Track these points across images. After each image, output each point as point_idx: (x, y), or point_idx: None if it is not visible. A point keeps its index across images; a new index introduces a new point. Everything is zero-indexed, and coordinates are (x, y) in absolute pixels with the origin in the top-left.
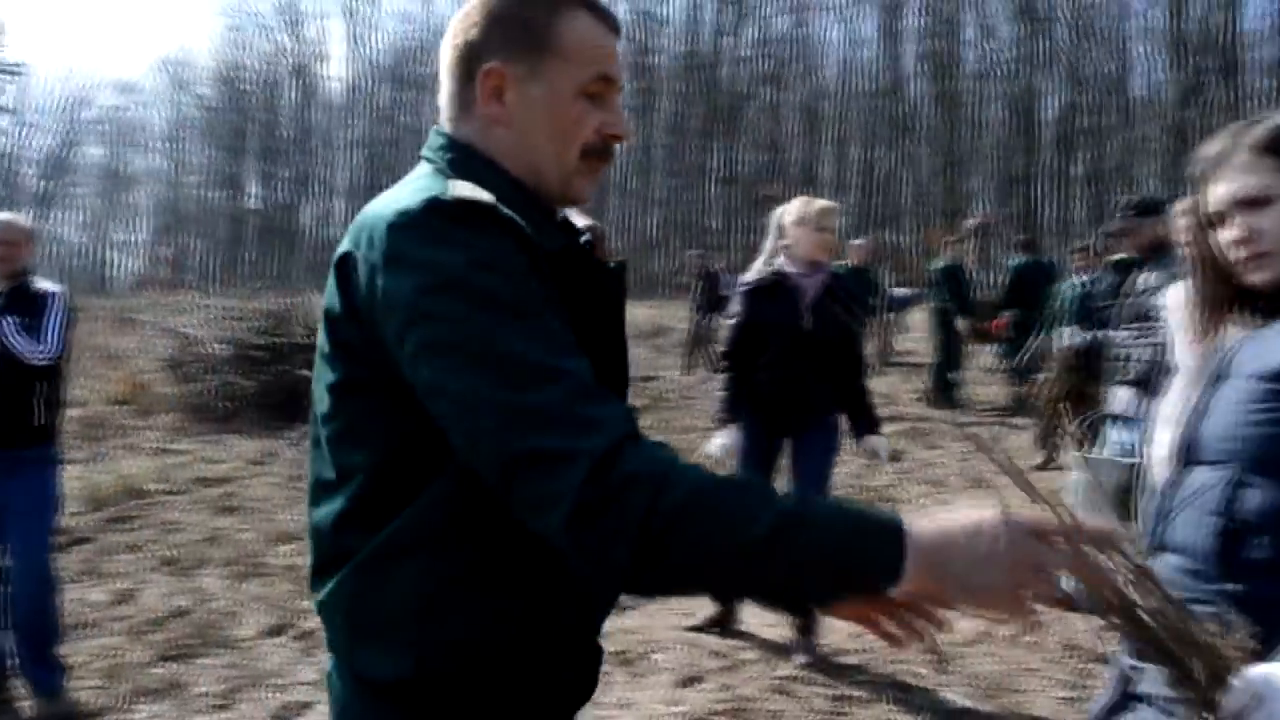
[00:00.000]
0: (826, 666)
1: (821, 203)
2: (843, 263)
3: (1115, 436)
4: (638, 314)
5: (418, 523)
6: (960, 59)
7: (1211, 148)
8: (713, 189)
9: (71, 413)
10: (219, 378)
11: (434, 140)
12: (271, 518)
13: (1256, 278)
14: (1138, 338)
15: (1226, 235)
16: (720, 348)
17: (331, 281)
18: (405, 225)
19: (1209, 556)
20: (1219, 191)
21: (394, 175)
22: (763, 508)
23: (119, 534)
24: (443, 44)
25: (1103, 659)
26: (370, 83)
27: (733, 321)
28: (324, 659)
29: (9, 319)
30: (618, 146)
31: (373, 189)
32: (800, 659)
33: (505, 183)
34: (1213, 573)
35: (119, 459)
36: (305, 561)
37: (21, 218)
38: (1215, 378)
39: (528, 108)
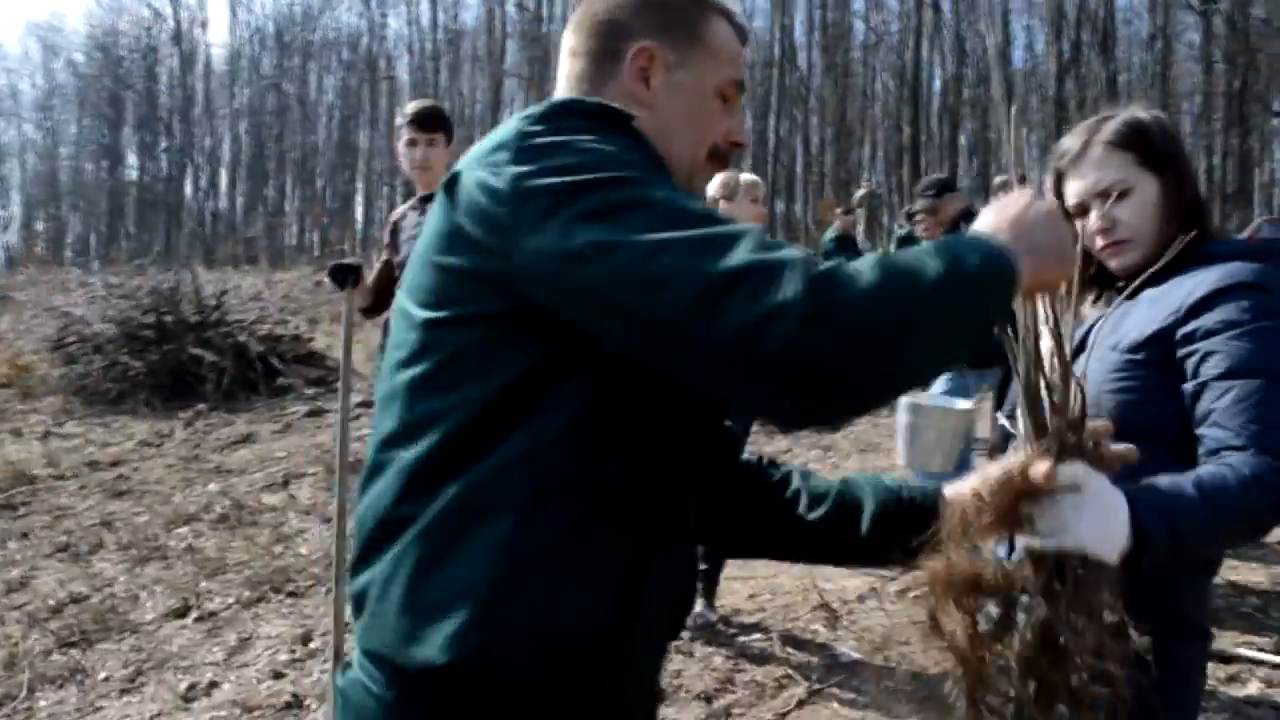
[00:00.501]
0: (724, 627)
1: (748, 175)
2: None
3: (940, 385)
4: None
5: (509, 472)
6: (850, 30)
7: (1068, 143)
8: None
9: None
10: (106, 358)
11: (551, 108)
12: (167, 500)
13: (1115, 264)
14: None
15: (1088, 225)
16: None
17: (438, 207)
18: (542, 118)
19: None
20: (1079, 185)
21: (281, 144)
22: (923, 257)
23: (8, 521)
24: (574, 22)
25: None
26: (254, 49)
27: None
28: (230, 637)
29: None
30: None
31: (259, 159)
32: (699, 620)
33: None
34: None
35: (3, 444)
36: (205, 543)
37: None
38: (1076, 350)
39: (672, 94)
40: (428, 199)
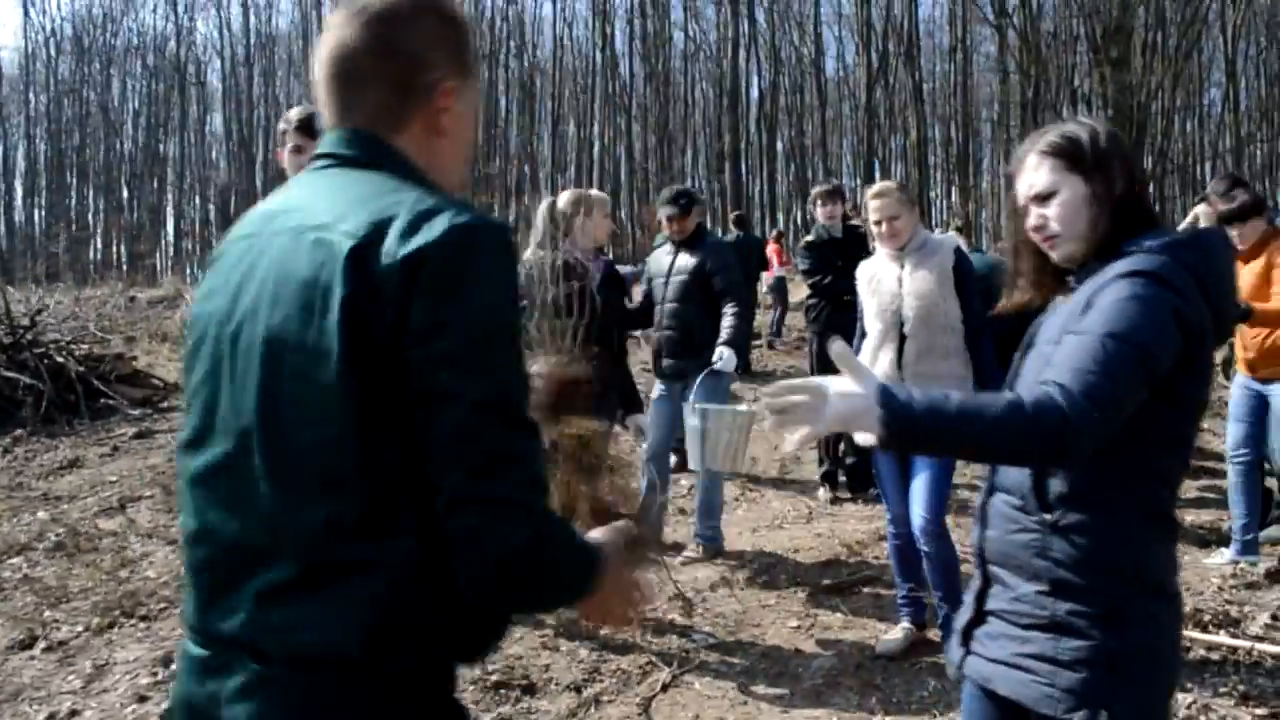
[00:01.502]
0: (587, 621)
1: (599, 194)
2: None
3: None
4: None
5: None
6: (670, 39)
7: (1017, 152)
8: None
9: None
10: None
11: (367, 144)
12: None
13: (1055, 256)
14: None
15: (1028, 224)
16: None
17: (340, 272)
18: (472, 244)
19: (1027, 493)
20: (1018, 188)
21: (83, 155)
22: (568, 551)
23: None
24: (359, 39)
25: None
26: (50, 53)
27: (525, 303)
28: (85, 665)
29: None
30: None
31: (60, 171)
32: (562, 616)
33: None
34: (1032, 505)
35: None
36: (42, 572)
37: None
38: (1025, 346)
39: (459, 123)
40: None
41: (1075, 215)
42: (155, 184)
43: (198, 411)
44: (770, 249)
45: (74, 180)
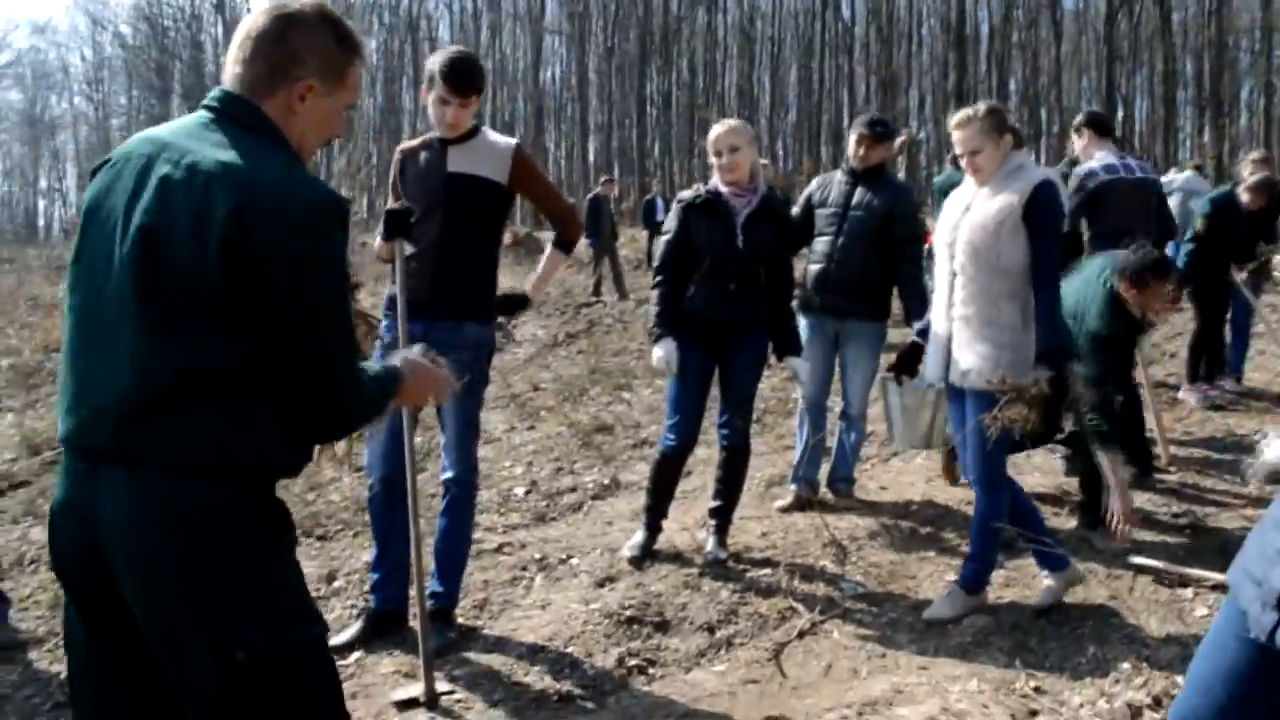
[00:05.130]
0: (734, 564)
1: (716, 128)
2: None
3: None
4: None
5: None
6: None
7: None
8: (650, 114)
9: (4, 361)
10: None
11: (242, 107)
12: None
13: None
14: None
15: None
16: (655, 263)
17: (224, 218)
18: (321, 213)
19: None
20: None
21: None
22: (373, 390)
23: (56, 476)
24: (261, 32)
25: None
26: None
27: (667, 237)
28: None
29: None
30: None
31: None
32: (709, 558)
33: (290, 151)
34: None
35: (53, 405)
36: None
37: None
38: None
39: (314, 109)
40: (447, 142)
41: None
42: (387, 138)
43: (85, 271)
44: None
45: None
